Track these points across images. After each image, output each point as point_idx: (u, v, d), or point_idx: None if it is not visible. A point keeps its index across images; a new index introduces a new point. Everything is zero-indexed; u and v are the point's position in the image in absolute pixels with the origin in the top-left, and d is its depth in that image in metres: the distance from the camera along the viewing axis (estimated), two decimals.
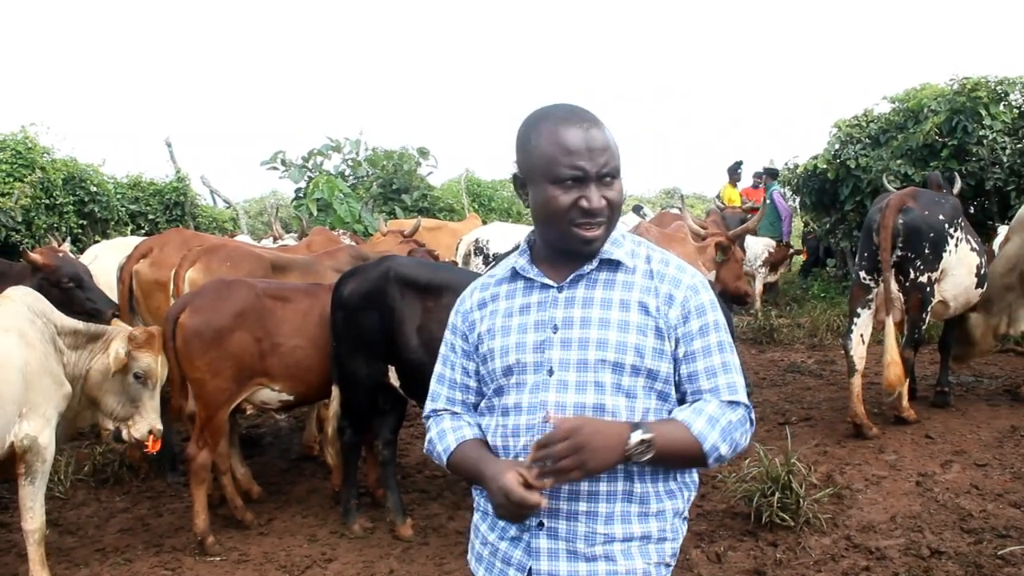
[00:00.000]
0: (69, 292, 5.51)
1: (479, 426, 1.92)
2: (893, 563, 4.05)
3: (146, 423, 4.22)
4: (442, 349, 2.01)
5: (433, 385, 2.01)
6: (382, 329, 4.40)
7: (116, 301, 5.83)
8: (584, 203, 1.69)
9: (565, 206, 1.70)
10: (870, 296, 6.05)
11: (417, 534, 4.62)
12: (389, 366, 4.49)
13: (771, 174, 13.98)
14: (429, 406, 2.00)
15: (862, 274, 6.11)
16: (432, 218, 14.15)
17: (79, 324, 4.11)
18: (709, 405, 1.75)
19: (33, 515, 3.80)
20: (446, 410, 1.97)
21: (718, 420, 1.72)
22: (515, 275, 1.88)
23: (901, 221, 5.86)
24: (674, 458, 1.73)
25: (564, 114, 1.74)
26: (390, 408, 4.75)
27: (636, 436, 1.63)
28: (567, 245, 1.77)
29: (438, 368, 2.01)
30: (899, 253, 5.89)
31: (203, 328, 4.40)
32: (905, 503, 4.77)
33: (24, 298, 3.93)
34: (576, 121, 1.71)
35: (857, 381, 6.01)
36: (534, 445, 1.64)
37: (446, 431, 1.91)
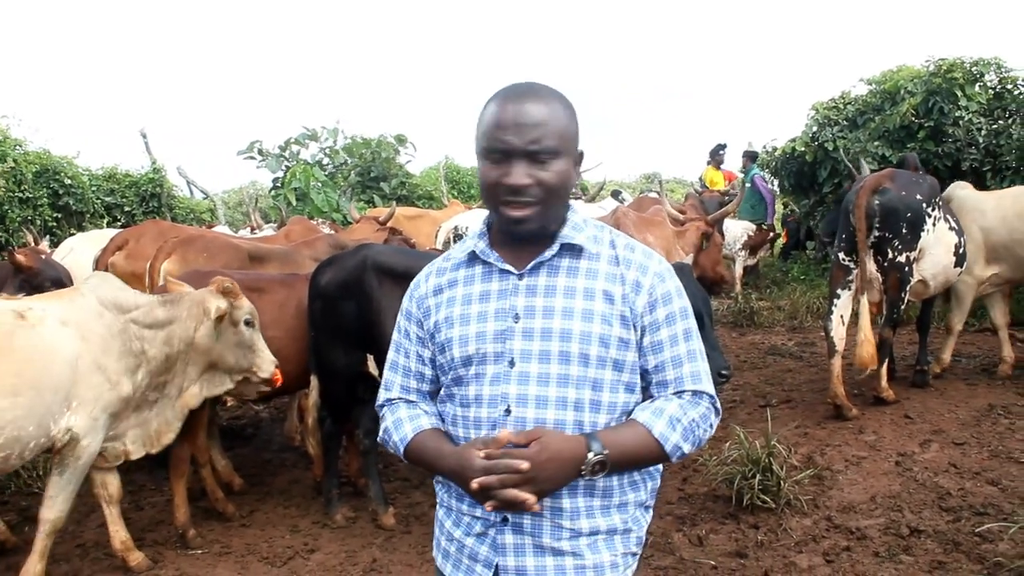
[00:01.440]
0: None
1: (437, 415, 1.86)
2: (873, 542, 4.09)
3: (268, 360, 4.28)
4: (395, 335, 1.93)
5: (386, 373, 1.94)
6: (360, 318, 4.38)
7: None
8: (507, 179, 1.64)
9: (491, 181, 1.67)
10: (849, 277, 6.08)
11: (399, 523, 4.61)
12: (368, 355, 4.47)
13: (751, 157, 14.01)
14: (382, 395, 1.93)
15: (841, 255, 6.14)
16: (411, 206, 14.12)
17: (153, 299, 4.06)
18: (671, 404, 1.70)
19: (52, 504, 3.76)
20: (400, 399, 1.89)
21: (679, 420, 1.67)
22: (473, 259, 1.81)
23: (878, 202, 5.88)
24: (635, 463, 1.70)
25: (512, 89, 1.70)
26: (370, 397, 4.72)
27: (591, 457, 1.59)
28: (502, 226, 1.73)
29: (391, 355, 1.94)
30: (876, 233, 5.92)
31: None
32: (885, 483, 4.81)
33: (95, 290, 3.90)
34: (517, 95, 1.67)
35: (837, 362, 6.05)
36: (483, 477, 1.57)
37: (402, 420, 1.84)
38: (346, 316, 4.42)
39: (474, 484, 1.57)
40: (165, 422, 4.16)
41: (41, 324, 3.58)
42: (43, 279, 5.42)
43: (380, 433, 1.90)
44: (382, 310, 4.29)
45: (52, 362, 3.55)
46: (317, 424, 4.81)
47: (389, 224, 7.86)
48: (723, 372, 4.25)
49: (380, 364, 4.39)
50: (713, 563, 3.99)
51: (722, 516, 4.50)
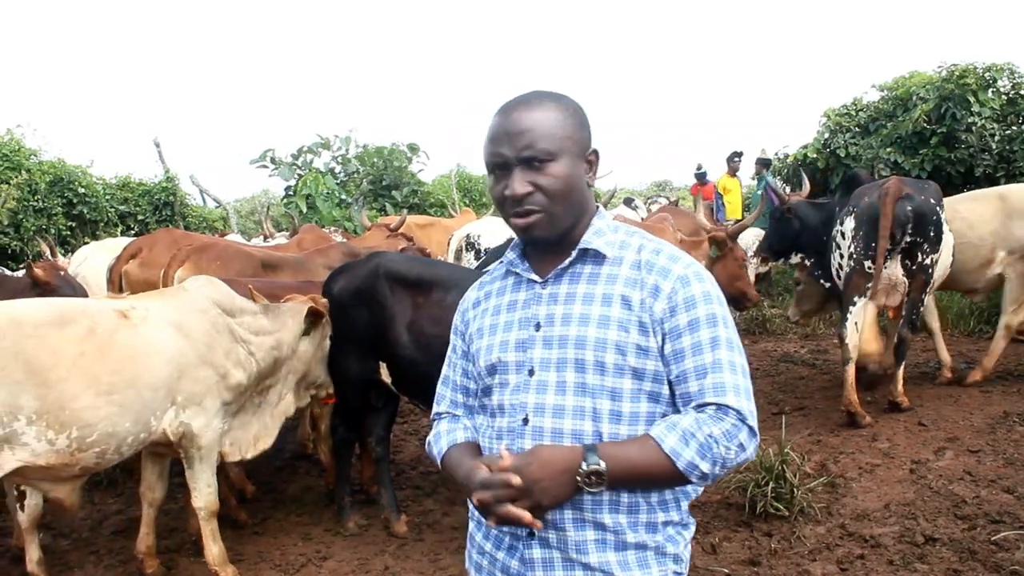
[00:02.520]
0: None
1: (475, 428, 1.85)
2: (888, 551, 4.06)
3: (330, 378, 4.63)
4: (448, 351, 1.95)
5: (439, 387, 1.96)
6: (373, 325, 4.38)
7: None
8: (507, 191, 1.65)
9: (498, 196, 1.69)
10: (869, 284, 6.05)
11: (412, 530, 4.61)
12: (381, 363, 4.48)
13: (764, 164, 13.94)
14: (434, 408, 1.96)
15: (867, 263, 6.05)
16: (423, 214, 14.14)
17: (256, 307, 4.19)
18: (686, 418, 1.57)
19: (198, 493, 3.94)
20: (448, 413, 1.91)
21: (694, 435, 1.54)
22: (508, 271, 1.84)
23: (909, 207, 5.89)
24: (643, 481, 1.60)
25: (506, 103, 1.70)
26: (383, 405, 4.73)
27: (585, 468, 1.51)
28: (517, 235, 1.76)
29: (443, 370, 1.96)
30: (908, 238, 5.94)
31: None
32: (899, 491, 4.79)
33: (202, 289, 4.02)
34: (507, 108, 1.68)
35: (851, 370, 6.02)
36: (479, 486, 1.55)
37: (441, 434, 1.85)
38: (359, 324, 4.43)
39: (473, 499, 1.56)
40: (264, 427, 4.36)
41: (143, 323, 3.68)
42: (59, 296, 5.42)
43: (426, 445, 1.93)
44: (395, 317, 4.30)
45: (152, 360, 3.62)
46: (330, 431, 4.81)
47: (401, 232, 7.87)
48: None
49: (392, 372, 4.40)
50: (727, 571, 3.98)
51: (735, 524, 4.49)
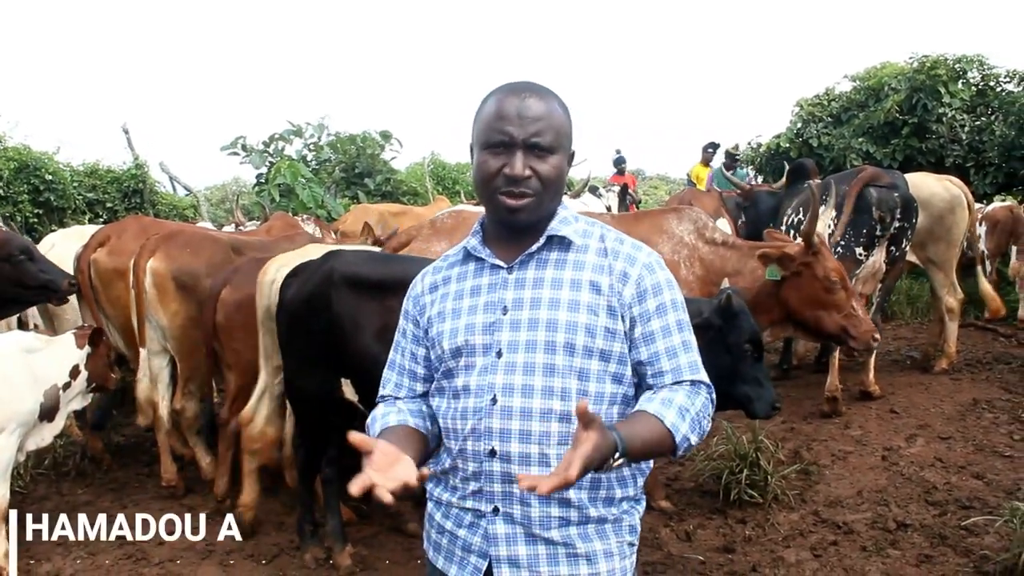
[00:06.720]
0: (21, 265, 5.28)
1: (417, 412, 1.87)
2: (860, 537, 4.10)
3: None
4: (396, 335, 1.98)
5: (385, 371, 1.99)
6: (330, 338, 3.70)
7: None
8: (507, 169, 1.68)
9: (492, 171, 1.70)
10: (857, 271, 6.07)
11: (389, 520, 4.58)
12: (343, 379, 3.80)
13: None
14: (380, 392, 1.98)
15: (859, 250, 6.00)
16: (396, 202, 14.05)
17: None
18: (679, 394, 1.67)
19: None
20: (391, 396, 1.94)
21: (688, 410, 1.65)
22: (467, 256, 1.86)
23: (896, 195, 5.95)
24: (647, 456, 1.68)
25: (515, 85, 1.75)
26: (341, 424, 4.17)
27: (617, 461, 1.50)
28: (497, 216, 1.77)
29: (391, 354, 1.99)
30: (896, 225, 5.98)
31: (244, 302, 4.44)
32: (871, 477, 4.83)
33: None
34: (520, 90, 1.72)
35: (835, 356, 6.06)
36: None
37: (376, 418, 1.87)
38: (313, 336, 3.78)
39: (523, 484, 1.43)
40: None
41: None
42: (12, 249, 5.13)
43: (365, 429, 1.93)
44: (358, 327, 3.63)
45: None
46: (293, 455, 4.45)
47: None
48: (776, 404, 3.64)
49: (360, 389, 3.78)
50: (701, 558, 3.99)
51: (709, 511, 4.51)
